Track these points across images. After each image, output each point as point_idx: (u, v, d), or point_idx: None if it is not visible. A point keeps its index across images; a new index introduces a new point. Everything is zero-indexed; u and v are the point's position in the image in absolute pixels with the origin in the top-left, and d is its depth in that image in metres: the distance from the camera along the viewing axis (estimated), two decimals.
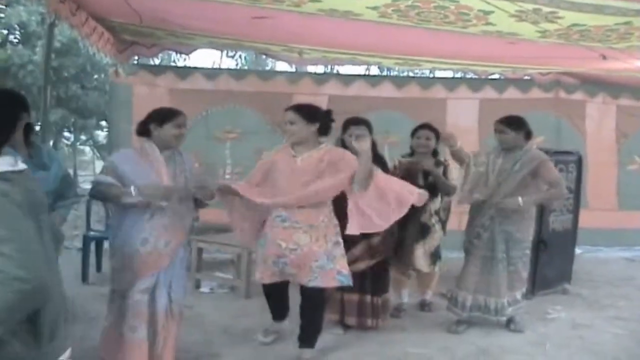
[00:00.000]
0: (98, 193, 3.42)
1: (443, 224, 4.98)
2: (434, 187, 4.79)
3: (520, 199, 4.33)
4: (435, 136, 4.93)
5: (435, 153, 4.99)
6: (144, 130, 3.48)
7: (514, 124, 4.56)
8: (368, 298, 4.44)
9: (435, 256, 4.93)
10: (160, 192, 3.28)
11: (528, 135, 4.58)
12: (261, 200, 3.87)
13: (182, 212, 3.45)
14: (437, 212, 4.90)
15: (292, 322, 4.24)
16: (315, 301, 3.92)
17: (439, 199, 4.90)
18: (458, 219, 5.24)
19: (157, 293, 3.38)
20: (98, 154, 23.34)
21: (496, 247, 4.45)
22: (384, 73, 14.36)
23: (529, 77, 8.25)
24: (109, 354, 3.41)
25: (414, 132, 4.99)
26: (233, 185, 3.95)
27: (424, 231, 4.85)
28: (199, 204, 3.59)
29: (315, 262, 3.79)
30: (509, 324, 4.66)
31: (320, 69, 12.65)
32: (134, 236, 3.31)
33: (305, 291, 3.89)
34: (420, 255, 4.84)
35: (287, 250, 3.81)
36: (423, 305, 5.15)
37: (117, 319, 3.36)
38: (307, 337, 3.99)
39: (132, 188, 3.22)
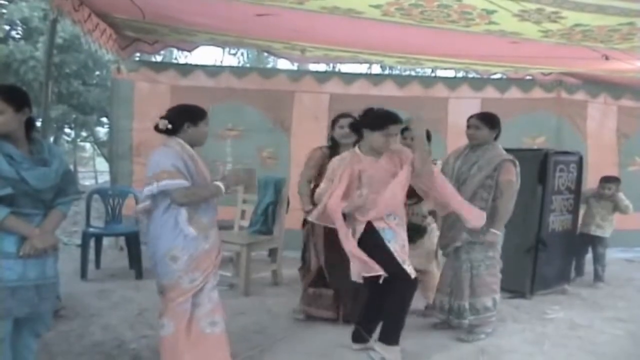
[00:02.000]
0: (195, 197, 3.35)
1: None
2: None
3: (493, 230, 4.29)
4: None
5: None
6: (174, 128, 3.43)
7: (491, 120, 4.47)
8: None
9: (436, 255, 4.92)
10: (241, 177, 3.62)
11: (498, 136, 4.50)
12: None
13: (216, 206, 3.58)
14: (430, 213, 4.87)
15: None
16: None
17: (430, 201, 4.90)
18: None
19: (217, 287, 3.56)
20: (98, 151, 23.36)
21: (460, 249, 4.41)
22: (386, 72, 14.38)
23: (530, 77, 8.25)
24: (180, 356, 3.37)
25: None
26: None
27: (420, 232, 4.84)
28: None
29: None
30: (473, 329, 4.44)
31: (322, 67, 12.64)
32: (198, 236, 3.34)
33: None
34: (417, 255, 4.79)
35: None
36: (427, 309, 5.07)
37: (183, 320, 3.36)
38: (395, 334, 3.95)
39: (219, 184, 3.43)
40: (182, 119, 3.44)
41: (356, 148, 3.99)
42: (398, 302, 3.88)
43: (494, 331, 4.53)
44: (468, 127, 4.52)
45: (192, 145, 3.49)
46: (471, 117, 4.57)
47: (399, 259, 3.78)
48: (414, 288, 3.91)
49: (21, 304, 2.83)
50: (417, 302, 5.07)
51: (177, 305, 3.34)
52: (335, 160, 3.97)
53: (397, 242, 3.83)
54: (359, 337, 4.10)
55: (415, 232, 4.80)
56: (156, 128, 3.43)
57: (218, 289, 5.09)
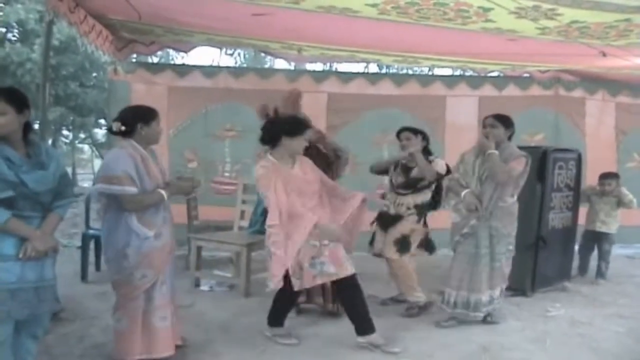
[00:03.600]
0: (140, 204, 3.47)
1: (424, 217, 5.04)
2: (416, 182, 4.92)
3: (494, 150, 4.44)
4: (421, 137, 5.05)
5: (428, 153, 5.08)
6: (128, 130, 3.55)
7: (507, 120, 4.61)
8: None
9: (401, 245, 4.88)
10: (186, 189, 3.76)
11: (512, 135, 4.64)
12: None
13: (169, 204, 3.71)
14: (416, 206, 4.93)
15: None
16: (357, 287, 4.02)
17: (420, 195, 4.95)
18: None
19: (167, 281, 3.70)
20: (97, 152, 23.39)
21: (480, 243, 4.53)
22: (383, 71, 14.40)
23: (528, 75, 8.25)
24: (132, 350, 3.56)
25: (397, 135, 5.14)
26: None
27: (393, 220, 4.95)
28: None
29: (342, 252, 4.01)
30: (485, 318, 4.66)
31: (319, 66, 12.64)
32: (145, 235, 3.47)
33: (349, 282, 3.98)
34: (381, 241, 5.01)
35: (322, 247, 3.92)
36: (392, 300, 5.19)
37: (136, 314, 3.54)
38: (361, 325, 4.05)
39: (163, 192, 3.52)
40: (135, 120, 3.56)
41: (269, 156, 4.03)
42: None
43: (495, 329, 4.56)
44: (484, 126, 4.63)
45: (147, 144, 3.62)
46: (487, 117, 4.67)
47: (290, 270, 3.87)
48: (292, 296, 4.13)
49: (21, 307, 2.83)
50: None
51: (130, 301, 3.54)
52: (261, 170, 3.95)
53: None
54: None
55: (388, 221, 4.97)
56: (110, 130, 3.63)
57: (219, 290, 5.14)
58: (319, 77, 8.00)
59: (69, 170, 21.81)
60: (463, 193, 4.57)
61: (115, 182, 3.37)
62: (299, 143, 4.02)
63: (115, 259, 3.49)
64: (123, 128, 3.54)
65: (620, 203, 6.22)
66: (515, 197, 4.63)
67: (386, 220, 5.01)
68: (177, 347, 3.79)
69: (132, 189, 3.39)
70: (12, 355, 2.93)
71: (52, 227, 3.00)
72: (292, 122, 4.07)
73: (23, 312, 2.85)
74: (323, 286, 4.55)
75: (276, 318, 4.27)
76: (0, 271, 2.77)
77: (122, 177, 3.37)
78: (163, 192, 3.52)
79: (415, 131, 5.07)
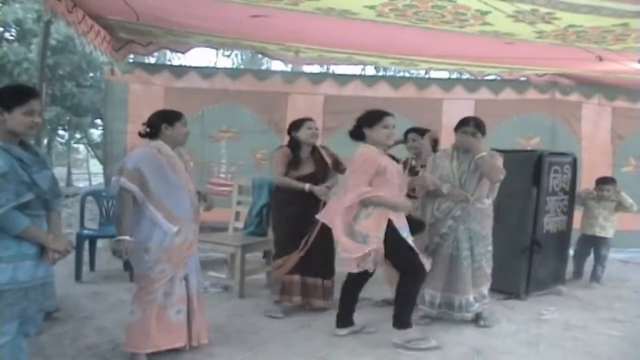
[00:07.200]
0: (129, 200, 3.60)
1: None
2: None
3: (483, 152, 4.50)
4: (422, 137, 5.16)
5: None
6: (153, 131, 3.75)
7: (484, 128, 4.65)
8: (319, 281, 4.91)
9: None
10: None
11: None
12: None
13: (196, 204, 3.89)
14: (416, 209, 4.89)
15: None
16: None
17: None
18: None
19: (190, 277, 3.88)
20: (92, 153, 23.32)
21: (461, 245, 4.59)
22: (380, 73, 14.41)
23: (525, 78, 8.26)
24: (145, 343, 3.65)
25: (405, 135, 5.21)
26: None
27: (420, 226, 4.83)
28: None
29: None
30: (477, 321, 4.72)
31: (315, 68, 12.66)
32: (170, 230, 3.63)
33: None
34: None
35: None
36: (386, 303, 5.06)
37: (151, 308, 3.65)
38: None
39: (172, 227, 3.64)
40: (159, 121, 3.76)
41: (369, 146, 4.25)
42: (410, 289, 4.22)
43: (488, 332, 4.56)
44: (465, 133, 4.60)
45: (174, 146, 3.78)
46: (467, 124, 4.63)
47: (418, 252, 4.18)
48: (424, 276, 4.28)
49: (32, 303, 2.86)
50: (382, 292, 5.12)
51: (146, 294, 3.66)
52: (368, 152, 4.20)
53: (409, 237, 4.19)
54: (345, 322, 4.40)
55: (417, 226, 4.89)
56: (139, 134, 3.82)
57: (213, 291, 5.15)
58: (316, 79, 8.02)
59: (64, 170, 21.81)
60: (445, 188, 4.59)
61: (125, 175, 3.55)
62: (379, 131, 4.23)
63: (137, 253, 3.62)
64: (148, 130, 3.76)
65: (620, 207, 6.23)
66: (491, 200, 4.70)
67: (416, 226, 4.90)
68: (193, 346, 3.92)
69: (135, 188, 3.53)
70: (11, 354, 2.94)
71: (59, 226, 3.08)
72: (371, 113, 4.36)
73: (33, 308, 2.89)
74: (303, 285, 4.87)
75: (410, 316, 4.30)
76: (20, 270, 2.80)
77: (132, 171, 3.55)
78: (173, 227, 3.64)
79: (422, 132, 5.18)
